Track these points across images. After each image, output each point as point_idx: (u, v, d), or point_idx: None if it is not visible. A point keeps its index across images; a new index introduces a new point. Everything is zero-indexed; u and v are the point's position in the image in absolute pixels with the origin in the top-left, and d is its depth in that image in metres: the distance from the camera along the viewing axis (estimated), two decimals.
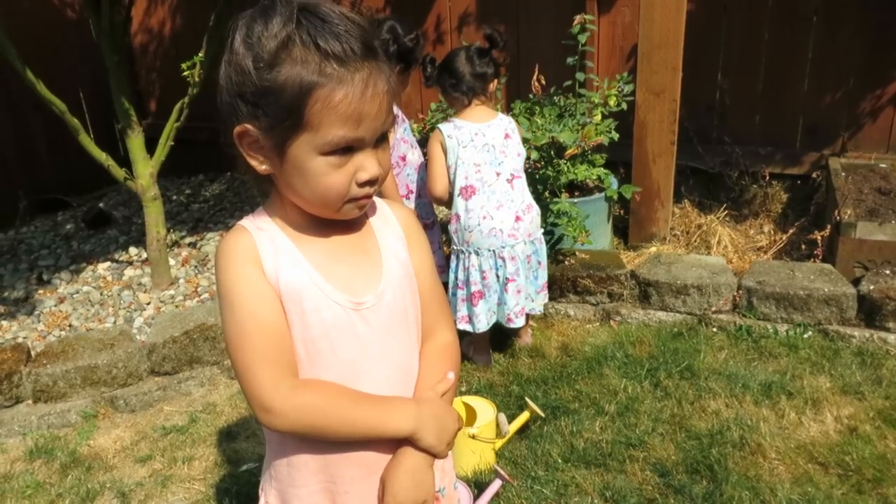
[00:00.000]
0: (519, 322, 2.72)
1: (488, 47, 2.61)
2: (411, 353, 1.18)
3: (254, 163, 1.04)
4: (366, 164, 1.02)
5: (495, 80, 2.69)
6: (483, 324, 2.70)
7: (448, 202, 2.68)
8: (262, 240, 1.07)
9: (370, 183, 1.04)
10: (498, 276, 2.67)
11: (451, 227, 2.69)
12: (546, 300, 2.87)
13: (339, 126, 0.97)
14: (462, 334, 2.90)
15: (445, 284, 3.02)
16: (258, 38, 0.97)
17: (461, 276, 2.70)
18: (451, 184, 2.64)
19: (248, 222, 1.11)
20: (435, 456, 1.13)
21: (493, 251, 2.63)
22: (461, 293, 2.71)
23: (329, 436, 1.09)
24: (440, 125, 2.66)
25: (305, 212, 1.09)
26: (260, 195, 1.14)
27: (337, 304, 1.08)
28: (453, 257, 2.71)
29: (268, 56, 0.96)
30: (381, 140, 1.04)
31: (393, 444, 1.13)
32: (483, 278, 2.66)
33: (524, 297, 2.71)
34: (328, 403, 1.07)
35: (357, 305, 1.09)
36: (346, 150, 1.00)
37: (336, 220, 1.10)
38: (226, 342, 1.08)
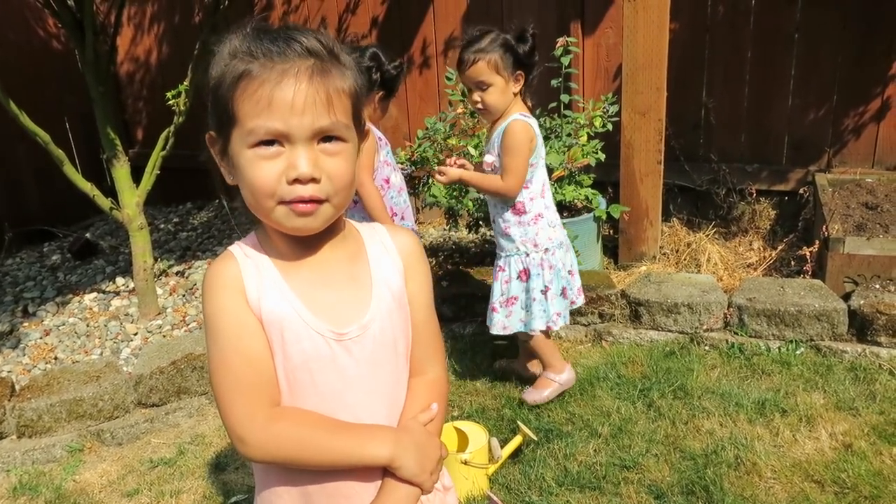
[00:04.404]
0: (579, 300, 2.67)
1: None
2: (399, 386, 1.15)
3: (224, 172, 1.06)
4: (295, 161, 0.97)
5: None
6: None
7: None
8: (247, 267, 1.06)
9: (299, 181, 0.98)
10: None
11: (532, 230, 2.49)
12: None
13: (253, 114, 0.97)
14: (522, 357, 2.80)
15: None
16: (218, 53, 1.02)
17: (547, 276, 2.52)
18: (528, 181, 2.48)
19: (236, 248, 1.10)
20: (419, 487, 1.10)
21: (562, 243, 2.57)
22: (552, 291, 2.53)
23: (306, 465, 1.07)
24: (526, 117, 2.41)
25: (288, 236, 1.06)
26: (250, 220, 1.12)
27: (318, 334, 1.06)
28: (536, 266, 2.50)
29: (218, 65, 1.01)
30: (327, 141, 1.00)
31: (374, 474, 1.10)
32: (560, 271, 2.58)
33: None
34: (303, 433, 1.05)
35: (339, 336, 1.07)
36: (271, 143, 0.97)
37: (323, 245, 1.08)
38: (208, 370, 1.06)
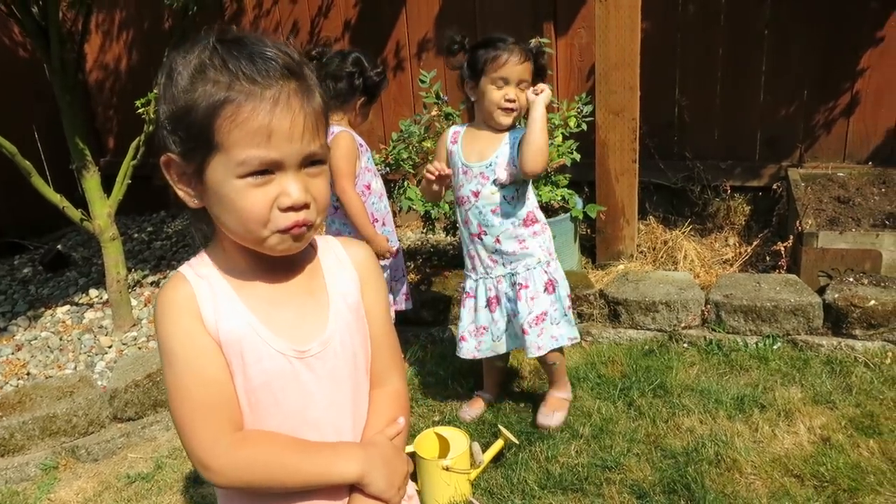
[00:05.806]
0: None
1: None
2: (360, 399, 1.14)
3: (184, 196, 1.01)
4: (287, 189, 0.96)
5: None
6: None
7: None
8: (201, 288, 1.03)
9: (293, 208, 0.97)
10: None
11: (545, 238, 2.43)
12: None
13: (249, 144, 0.94)
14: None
15: (407, 314, 2.96)
16: (178, 69, 0.97)
17: (568, 283, 2.46)
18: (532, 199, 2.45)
19: (187, 269, 1.06)
20: (387, 503, 1.09)
21: None
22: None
23: (274, 488, 1.04)
24: None
25: (246, 254, 1.04)
26: (201, 239, 1.10)
27: (279, 353, 1.04)
28: (557, 273, 2.43)
29: (184, 83, 0.96)
30: (311, 165, 0.99)
31: (341, 492, 1.08)
32: None
33: None
34: (269, 456, 1.03)
35: (301, 354, 1.05)
36: (263, 172, 0.95)
37: (279, 262, 1.05)
38: (167, 396, 1.03)
